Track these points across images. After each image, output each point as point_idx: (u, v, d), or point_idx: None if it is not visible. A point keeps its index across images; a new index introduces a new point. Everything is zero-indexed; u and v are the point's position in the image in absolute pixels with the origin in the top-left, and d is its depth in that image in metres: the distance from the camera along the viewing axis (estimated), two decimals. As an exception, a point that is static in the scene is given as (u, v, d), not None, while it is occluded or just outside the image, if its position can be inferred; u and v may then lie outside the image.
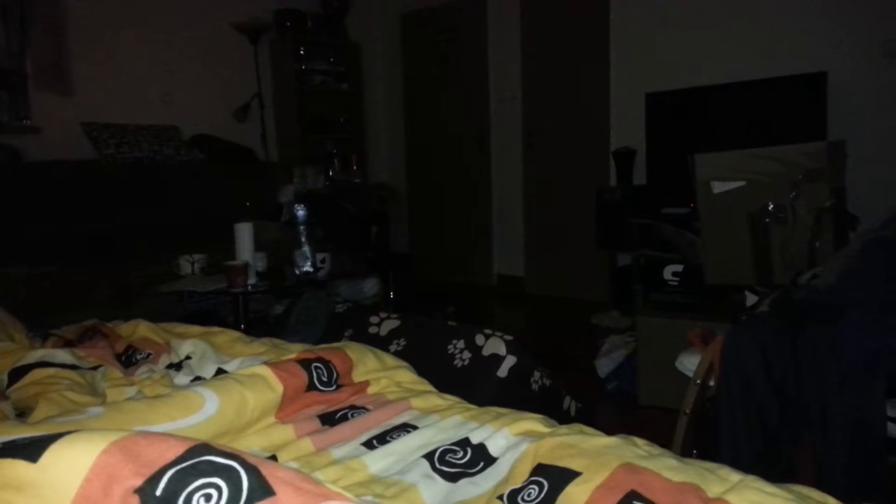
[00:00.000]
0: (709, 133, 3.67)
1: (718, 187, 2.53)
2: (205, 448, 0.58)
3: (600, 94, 4.54)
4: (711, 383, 1.86)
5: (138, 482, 0.54)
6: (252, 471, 0.57)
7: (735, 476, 0.80)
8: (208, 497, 0.54)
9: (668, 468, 0.81)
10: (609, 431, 0.98)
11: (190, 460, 0.56)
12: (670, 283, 2.76)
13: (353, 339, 1.95)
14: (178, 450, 0.57)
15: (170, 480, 0.54)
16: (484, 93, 5.29)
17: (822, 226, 2.40)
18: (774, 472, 1.67)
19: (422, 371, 1.40)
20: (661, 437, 1.86)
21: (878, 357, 1.55)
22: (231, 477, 0.56)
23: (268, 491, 0.56)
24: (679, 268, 2.76)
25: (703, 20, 4.02)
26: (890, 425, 1.72)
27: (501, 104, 5.20)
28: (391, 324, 1.97)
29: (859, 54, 3.51)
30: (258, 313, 3.10)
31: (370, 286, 3.66)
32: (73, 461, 0.56)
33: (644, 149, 3.99)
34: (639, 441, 0.94)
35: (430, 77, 5.68)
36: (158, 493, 0.54)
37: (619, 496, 0.76)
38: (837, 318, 1.66)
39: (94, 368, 1.38)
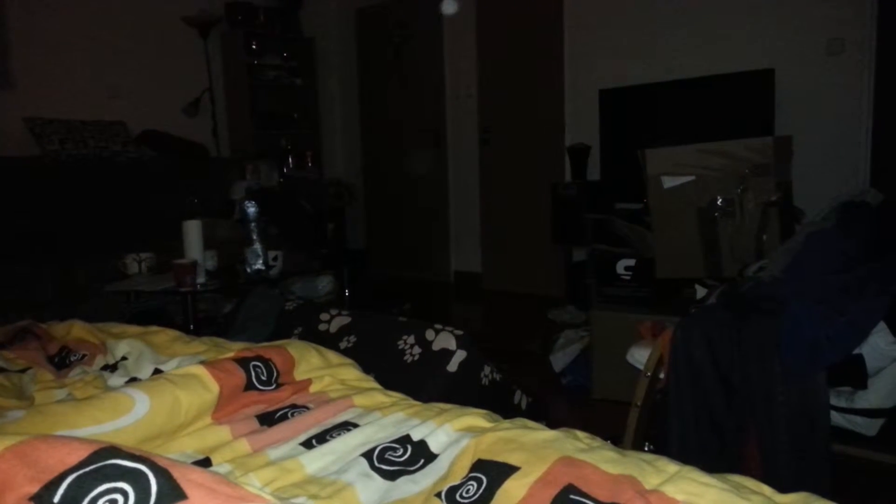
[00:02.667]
0: (661, 129, 3.71)
1: (669, 182, 2.56)
2: (111, 451, 0.54)
3: (555, 91, 4.56)
4: (662, 376, 1.88)
5: (34, 489, 0.50)
6: (162, 474, 0.54)
7: (672, 467, 0.80)
8: (113, 502, 0.51)
9: (606, 460, 0.80)
10: (563, 426, 0.96)
11: (94, 464, 0.53)
12: (623, 277, 2.78)
13: (302, 336, 1.91)
14: (81, 454, 0.53)
15: (69, 486, 0.51)
16: (440, 89, 5.26)
17: (768, 219, 2.44)
18: (721, 461, 1.70)
19: (372, 367, 1.37)
20: (615, 431, 1.87)
21: (819, 347, 1.58)
22: (139, 481, 0.53)
23: (179, 494, 0.53)
24: (631, 262, 2.78)
25: (656, 18, 4.07)
26: (832, 414, 1.76)
27: (457, 100, 5.19)
28: (341, 320, 1.93)
29: (805, 52, 3.59)
30: (207, 313, 3.03)
31: (324, 284, 3.61)
32: (-37, 468, 0.52)
33: (598, 145, 4.02)
34: (580, 434, 0.93)
35: (386, 73, 5.63)
36: (56, 499, 0.50)
37: (556, 490, 0.75)
38: (781, 309, 1.68)
39: (24, 371, 1.32)
